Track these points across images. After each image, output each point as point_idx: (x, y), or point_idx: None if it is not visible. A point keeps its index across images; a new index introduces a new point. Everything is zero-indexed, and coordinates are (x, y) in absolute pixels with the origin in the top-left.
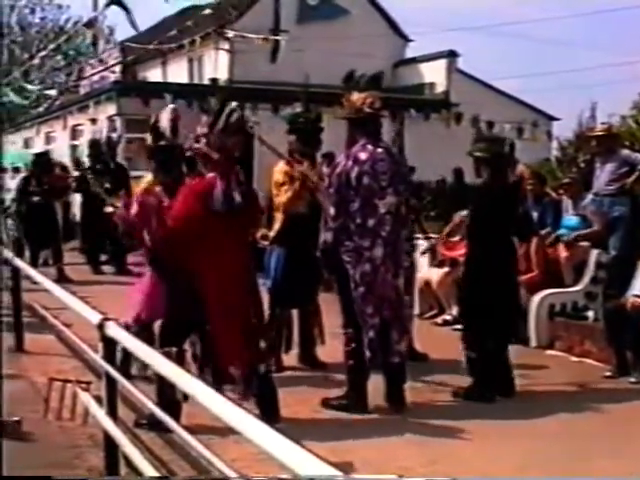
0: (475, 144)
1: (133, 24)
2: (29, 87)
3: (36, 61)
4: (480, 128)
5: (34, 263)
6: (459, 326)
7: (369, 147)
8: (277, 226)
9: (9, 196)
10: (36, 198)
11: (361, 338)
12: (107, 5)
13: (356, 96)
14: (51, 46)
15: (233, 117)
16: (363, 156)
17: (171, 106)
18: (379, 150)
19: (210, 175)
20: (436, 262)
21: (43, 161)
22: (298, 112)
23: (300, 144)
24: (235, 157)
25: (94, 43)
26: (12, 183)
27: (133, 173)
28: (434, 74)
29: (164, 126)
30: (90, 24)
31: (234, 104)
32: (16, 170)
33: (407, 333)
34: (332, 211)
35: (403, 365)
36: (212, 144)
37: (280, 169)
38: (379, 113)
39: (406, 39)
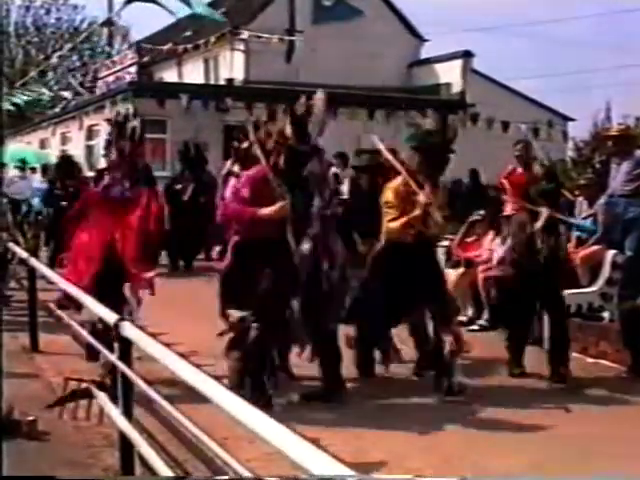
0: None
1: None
2: (43, 90)
3: (52, 61)
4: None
5: (53, 264)
6: (474, 327)
7: None
8: (377, 248)
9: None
10: (62, 202)
11: None
12: (128, 2)
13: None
14: (67, 46)
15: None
16: None
17: None
18: None
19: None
20: (452, 263)
21: (68, 164)
22: (429, 129)
23: (426, 166)
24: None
25: (110, 43)
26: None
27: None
28: (449, 74)
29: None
30: (108, 23)
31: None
32: (32, 170)
33: None
34: None
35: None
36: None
37: (395, 186)
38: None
39: (421, 39)
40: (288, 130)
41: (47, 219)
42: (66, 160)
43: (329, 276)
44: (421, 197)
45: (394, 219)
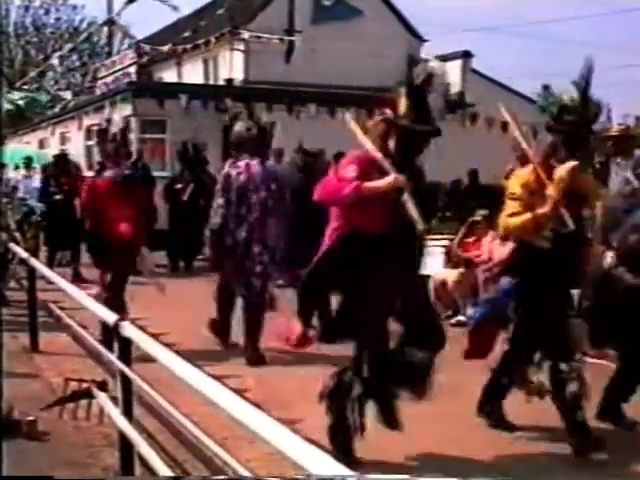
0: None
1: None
2: (41, 94)
3: (51, 62)
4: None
5: (50, 263)
6: None
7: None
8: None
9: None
10: (56, 198)
11: None
12: (129, 1)
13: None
14: (67, 46)
15: None
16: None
17: None
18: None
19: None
20: (452, 263)
21: (62, 162)
22: (566, 104)
23: (567, 148)
24: None
25: (109, 44)
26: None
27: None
28: (449, 74)
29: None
30: (108, 23)
31: None
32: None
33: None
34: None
35: None
36: None
37: (524, 174)
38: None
39: (420, 39)
40: (403, 105)
41: (40, 215)
42: (61, 158)
43: (261, 256)
44: (550, 190)
45: (515, 214)
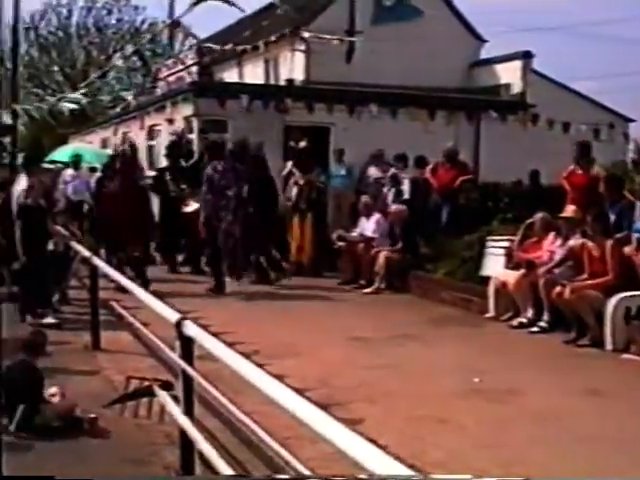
0: None
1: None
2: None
3: (114, 62)
4: None
5: (110, 262)
6: (535, 328)
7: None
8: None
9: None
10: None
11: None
12: (194, 4)
13: None
14: (129, 47)
15: None
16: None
17: None
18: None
19: None
20: (512, 264)
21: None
22: None
23: None
24: None
25: (171, 44)
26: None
27: None
28: (509, 75)
29: None
30: (174, 24)
31: None
32: (93, 170)
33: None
34: None
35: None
36: None
37: None
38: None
39: (481, 40)
40: None
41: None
42: (115, 158)
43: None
44: None
45: None
